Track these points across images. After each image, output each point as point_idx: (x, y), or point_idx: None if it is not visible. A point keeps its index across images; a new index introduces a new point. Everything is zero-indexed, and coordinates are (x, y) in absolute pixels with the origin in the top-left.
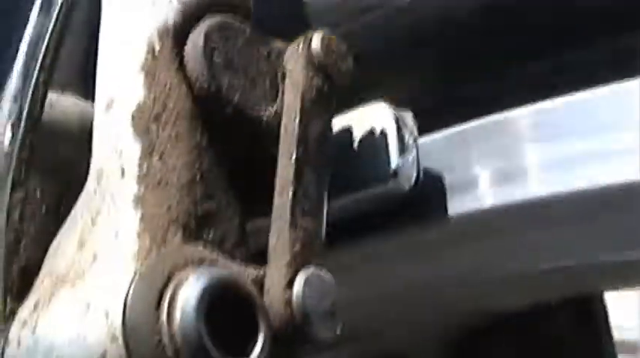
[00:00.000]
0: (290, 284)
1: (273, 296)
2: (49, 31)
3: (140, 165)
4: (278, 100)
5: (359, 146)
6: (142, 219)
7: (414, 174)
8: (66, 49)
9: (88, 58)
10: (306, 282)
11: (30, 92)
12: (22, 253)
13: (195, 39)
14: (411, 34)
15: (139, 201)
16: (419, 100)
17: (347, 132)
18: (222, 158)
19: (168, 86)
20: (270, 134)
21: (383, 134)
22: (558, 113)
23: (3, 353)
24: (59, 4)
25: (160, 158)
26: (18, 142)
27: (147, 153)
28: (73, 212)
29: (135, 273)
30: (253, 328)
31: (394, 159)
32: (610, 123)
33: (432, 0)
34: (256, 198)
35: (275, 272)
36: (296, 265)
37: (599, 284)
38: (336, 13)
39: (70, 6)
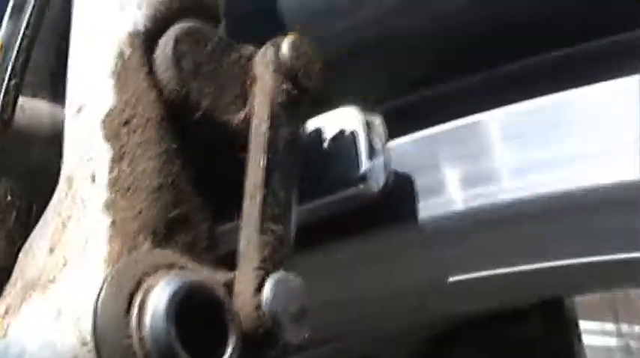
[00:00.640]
0: (259, 288)
1: (242, 300)
2: (20, 36)
3: (110, 171)
4: (247, 105)
5: (328, 149)
6: (113, 224)
7: (384, 178)
8: (37, 53)
9: (59, 63)
10: (276, 286)
11: (1, 96)
12: None
13: (165, 44)
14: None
15: (110, 206)
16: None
17: (316, 135)
18: (191, 163)
19: (138, 91)
20: (239, 139)
21: (352, 137)
22: (527, 116)
23: None
24: (30, 9)
25: (130, 163)
26: None
27: (117, 158)
28: (43, 217)
29: (105, 278)
30: (223, 332)
31: (363, 163)
32: (580, 126)
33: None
34: (226, 203)
35: (244, 276)
36: (265, 269)
37: (571, 287)
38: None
39: (40, 11)
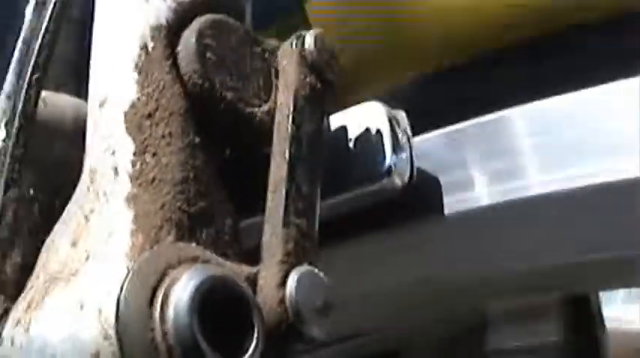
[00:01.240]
0: (283, 282)
1: (266, 294)
2: (43, 30)
3: (133, 164)
4: (271, 98)
5: (353, 144)
6: (135, 217)
7: (408, 173)
8: (60, 47)
9: (82, 56)
10: (299, 280)
11: (24, 90)
12: (15, 252)
13: (188, 37)
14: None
15: (133, 199)
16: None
17: (341, 130)
18: (215, 156)
19: (161, 84)
20: (263, 132)
21: (377, 133)
22: (554, 112)
23: None
24: (53, 3)
25: (154, 156)
26: (12, 140)
27: (140, 151)
28: (66, 210)
29: (128, 271)
30: (247, 326)
31: (388, 158)
32: (606, 122)
33: None
34: (249, 196)
35: (268, 270)
36: (289, 263)
37: (596, 282)
38: None
39: (63, 4)
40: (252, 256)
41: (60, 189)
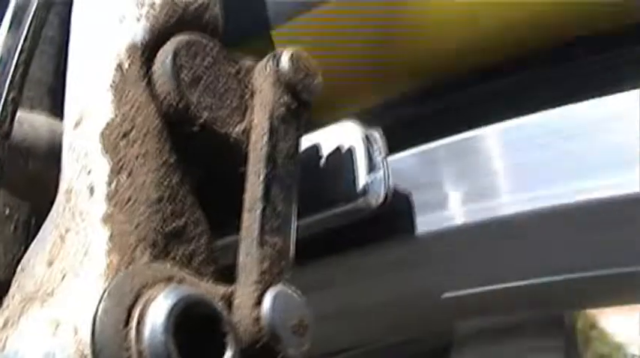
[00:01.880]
0: (259, 301)
1: (241, 313)
2: (19, 49)
3: (109, 183)
4: (246, 118)
5: (328, 164)
6: (111, 237)
7: (383, 192)
8: (36, 67)
9: (57, 77)
10: (275, 300)
11: None
12: None
13: (164, 56)
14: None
15: (108, 219)
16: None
17: (316, 149)
18: (190, 176)
19: (136, 103)
20: (238, 151)
21: (352, 152)
22: (527, 130)
23: None
24: (28, 22)
25: (129, 176)
26: None
27: (115, 170)
28: (42, 229)
29: (104, 291)
30: (222, 345)
31: (363, 177)
32: (579, 141)
33: None
34: (225, 216)
35: (244, 289)
36: (265, 283)
37: (571, 301)
38: None
39: (39, 24)
40: (228, 275)
41: (36, 207)
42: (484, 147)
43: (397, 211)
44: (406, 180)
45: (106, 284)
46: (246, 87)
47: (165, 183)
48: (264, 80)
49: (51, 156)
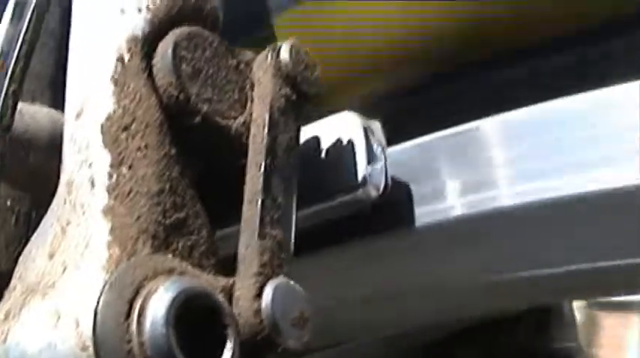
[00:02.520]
0: (259, 293)
1: (242, 305)
2: (20, 41)
3: (110, 176)
4: (246, 110)
5: (327, 155)
6: (112, 229)
7: (383, 183)
8: (36, 59)
9: (58, 70)
10: (275, 292)
11: (0, 102)
12: None
13: (164, 48)
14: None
15: (109, 211)
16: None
17: (315, 141)
18: (191, 168)
19: (137, 96)
20: (238, 143)
21: (351, 143)
22: (525, 122)
23: None
24: (29, 15)
25: (130, 168)
26: None
27: (116, 163)
28: (43, 222)
29: (105, 284)
30: (222, 337)
31: (362, 168)
32: (579, 132)
33: None
34: (225, 208)
35: (244, 281)
36: (265, 275)
37: (569, 293)
38: None
39: (40, 16)
40: (228, 267)
41: (37, 200)
42: (483, 138)
43: (396, 202)
44: (405, 172)
45: (107, 276)
46: (246, 79)
47: (166, 175)
48: (263, 72)
49: (52, 148)
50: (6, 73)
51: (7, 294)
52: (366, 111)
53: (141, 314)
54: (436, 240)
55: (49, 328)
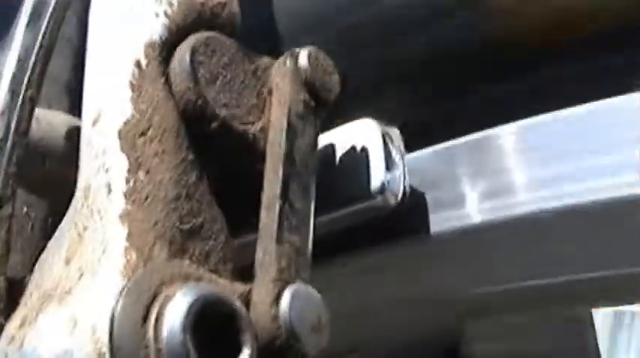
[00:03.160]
0: (277, 300)
1: (259, 312)
2: (37, 47)
3: (127, 181)
4: (265, 115)
5: (346, 162)
6: (129, 235)
7: (401, 190)
8: (53, 65)
9: (76, 74)
10: (293, 298)
11: (17, 107)
12: (9, 269)
13: (182, 54)
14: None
15: (126, 217)
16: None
17: (334, 147)
18: (208, 173)
19: (155, 101)
20: (256, 149)
21: (370, 150)
22: (545, 129)
23: None
24: (47, 20)
25: (147, 174)
26: (5, 158)
27: (134, 168)
28: (60, 227)
29: (122, 290)
30: (240, 343)
31: (381, 175)
32: (598, 139)
33: None
34: (243, 214)
35: (261, 287)
36: (283, 281)
37: (589, 300)
38: None
39: (57, 21)
40: (246, 273)
41: (53, 206)
42: (501, 145)
43: (414, 209)
44: (423, 179)
45: (124, 282)
46: (264, 84)
47: (183, 180)
48: (282, 78)
49: (69, 154)
50: (23, 79)
51: (23, 300)
52: (384, 118)
53: (158, 320)
54: (455, 247)
55: (66, 334)
